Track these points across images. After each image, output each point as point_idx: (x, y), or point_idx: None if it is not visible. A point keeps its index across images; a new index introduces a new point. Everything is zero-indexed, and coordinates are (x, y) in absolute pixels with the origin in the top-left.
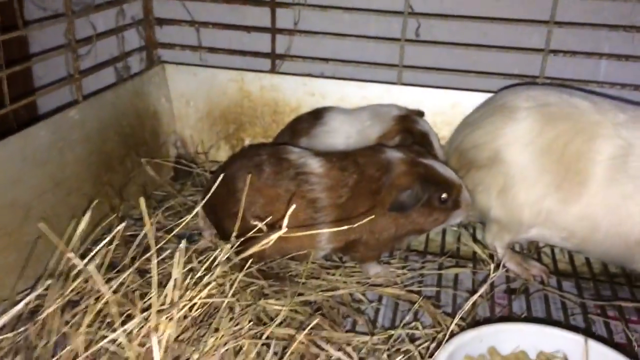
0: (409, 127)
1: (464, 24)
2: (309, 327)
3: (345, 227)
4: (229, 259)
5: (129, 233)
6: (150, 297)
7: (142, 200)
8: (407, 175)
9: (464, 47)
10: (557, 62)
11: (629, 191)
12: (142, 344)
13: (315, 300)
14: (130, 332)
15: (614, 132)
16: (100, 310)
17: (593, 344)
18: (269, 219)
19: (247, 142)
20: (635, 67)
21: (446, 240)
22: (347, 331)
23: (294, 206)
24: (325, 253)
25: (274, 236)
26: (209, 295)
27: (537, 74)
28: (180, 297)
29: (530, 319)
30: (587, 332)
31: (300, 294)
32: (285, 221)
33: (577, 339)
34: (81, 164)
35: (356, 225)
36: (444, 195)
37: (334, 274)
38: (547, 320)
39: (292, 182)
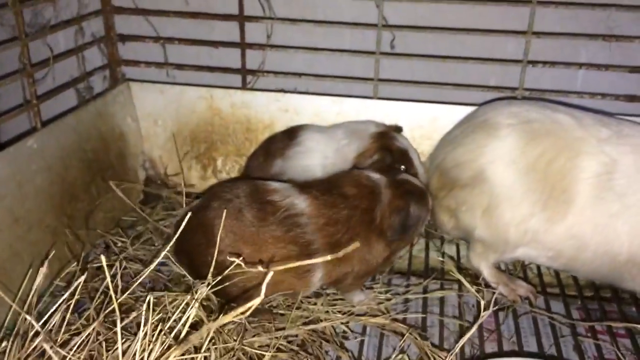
0: (387, 145)
1: (440, 35)
2: None
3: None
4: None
5: (97, 264)
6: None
7: (102, 258)
8: (400, 197)
9: (441, 59)
10: (534, 72)
11: (615, 209)
12: None
13: (297, 334)
14: None
15: (598, 148)
16: None
17: None
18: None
19: (219, 161)
20: (613, 76)
21: (430, 257)
22: None
23: (271, 273)
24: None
25: (255, 302)
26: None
27: (514, 85)
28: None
29: (520, 348)
30: (577, 353)
31: (281, 328)
32: (265, 284)
33: None
34: (42, 195)
35: (341, 255)
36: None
37: (314, 304)
38: (539, 344)
39: (279, 227)
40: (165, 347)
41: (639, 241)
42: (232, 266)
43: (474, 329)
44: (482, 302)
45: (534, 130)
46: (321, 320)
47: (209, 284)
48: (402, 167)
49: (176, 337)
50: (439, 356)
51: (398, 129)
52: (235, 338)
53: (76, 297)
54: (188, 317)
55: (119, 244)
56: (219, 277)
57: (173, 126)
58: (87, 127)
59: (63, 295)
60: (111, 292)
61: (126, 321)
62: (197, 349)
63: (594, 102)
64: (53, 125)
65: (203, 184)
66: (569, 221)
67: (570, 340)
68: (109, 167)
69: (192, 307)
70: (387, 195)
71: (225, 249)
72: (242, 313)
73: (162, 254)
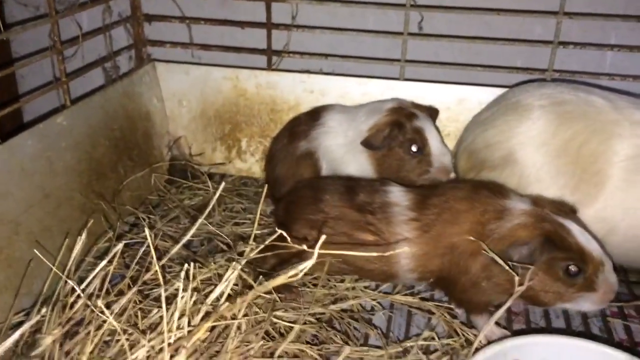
0: (398, 121)
1: (466, 16)
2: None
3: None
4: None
5: (125, 241)
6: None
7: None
8: (528, 229)
9: (469, 40)
10: (562, 54)
11: None
12: None
13: (325, 312)
14: None
15: (632, 131)
16: (101, 338)
17: (619, 356)
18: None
19: (243, 142)
20: None
21: None
22: (360, 345)
23: (324, 236)
24: (412, 283)
25: (307, 264)
26: (219, 317)
27: (541, 67)
28: (190, 322)
29: (549, 328)
30: (607, 334)
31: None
32: (317, 249)
33: (604, 350)
34: (71, 172)
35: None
36: (572, 267)
37: (342, 281)
38: (567, 329)
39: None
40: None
41: None
42: (274, 236)
43: (505, 307)
44: (516, 279)
45: (566, 113)
46: (348, 298)
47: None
48: (415, 145)
49: (213, 305)
50: (468, 333)
51: (432, 110)
52: (264, 312)
53: (113, 265)
54: (228, 281)
55: (147, 221)
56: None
57: (198, 107)
58: (114, 106)
59: (99, 265)
60: (152, 255)
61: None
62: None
63: (624, 84)
64: (82, 103)
65: (227, 165)
66: (600, 204)
67: (598, 322)
68: (135, 147)
69: (234, 272)
70: (517, 221)
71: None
72: (294, 275)
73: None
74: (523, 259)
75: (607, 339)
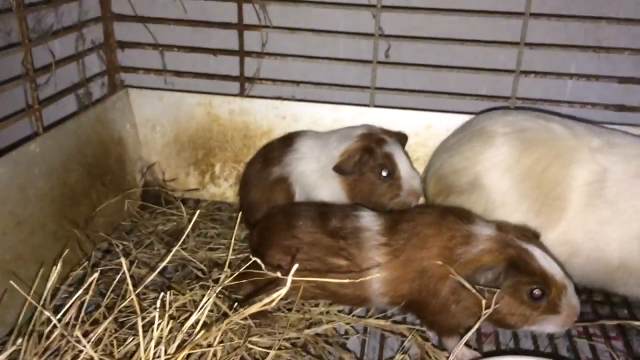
0: (369, 146)
1: (434, 45)
2: None
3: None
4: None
5: (99, 268)
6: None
7: (122, 260)
8: (494, 254)
9: (435, 69)
10: (525, 82)
11: (606, 216)
12: None
13: (299, 337)
14: None
15: (590, 157)
16: None
17: None
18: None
19: (217, 167)
20: (601, 86)
21: None
22: None
23: (296, 265)
24: (385, 307)
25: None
26: (195, 346)
27: (506, 94)
28: (166, 350)
29: (518, 349)
30: (573, 354)
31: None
32: (291, 275)
33: None
34: (44, 199)
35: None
36: (536, 291)
37: (316, 305)
38: (535, 350)
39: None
40: (179, 342)
41: (629, 247)
42: (248, 263)
43: (474, 329)
44: (484, 302)
45: (529, 139)
46: (322, 323)
47: (225, 278)
48: (385, 170)
49: (188, 332)
50: (440, 356)
51: (401, 136)
52: (239, 338)
53: (89, 294)
54: (204, 309)
55: (121, 248)
56: (235, 274)
57: (171, 132)
58: (87, 132)
59: (74, 295)
60: (129, 283)
61: (144, 315)
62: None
63: (584, 111)
64: (54, 130)
65: (201, 191)
66: (562, 228)
67: (564, 341)
68: (109, 172)
69: (209, 299)
70: (483, 247)
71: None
72: (268, 303)
73: (173, 251)
74: (489, 282)
75: (574, 359)
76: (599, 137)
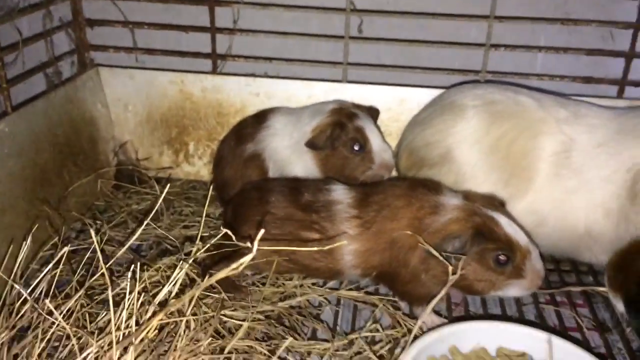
0: (340, 121)
1: (406, 20)
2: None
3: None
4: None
5: (72, 248)
6: (102, 319)
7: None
8: (460, 222)
9: (407, 43)
10: (496, 56)
11: (572, 186)
12: None
13: (274, 309)
14: None
15: (557, 128)
16: (49, 340)
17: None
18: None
19: (191, 145)
20: (570, 59)
21: None
22: (308, 339)
23: (262, 230)
24: (357, 279)
25: (246, 259)
26: (167, 315)
27: (477, 68)
28: (138, 321)
29: (486, 315)
30: (539, 320)
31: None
32: (256, 243)
33: (533, 333)
34: (14, 179)
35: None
36: (501, 256)
37: (290, 279)
38: (502, 316)
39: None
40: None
41: (594, 215)
42: (219, 235)
43: (440, 295)
44: (450, 269)
45: (497, 112)
46: (296, 295)
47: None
48: (357, 144)
49: (161, 305)
50: (410, 324)
51: (373, 110)
52: (214, 311)
53: (59, 268)
54: (176, 280)
55: (95, 227)
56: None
57: (144, 111)
58: (58, 112)
59: (43, 272)
60: (99, 257)
61: (116, 290)
62: (179, 316)
63: (553, 83)
64: (24, 110)
65: (175, 169)
66: (530, 197)
67: (532, 309)
68: (81, 152)
69: (181, 271)
70: (450, 216)
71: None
72: (234, 269)
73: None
74: (456, 250)
75: (540, 324)
76: (566, 108)
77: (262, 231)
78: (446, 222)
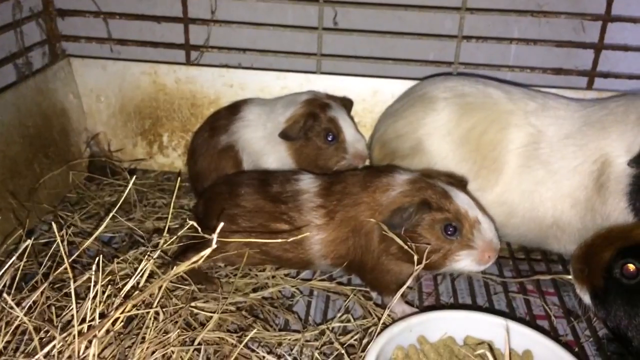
0: (313, 112)
1: (380, 11)
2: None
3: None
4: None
5: (43, 240)
6: (68, 312)
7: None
8: (409, 195)
9: (381, 35)
10: (469, 47)
11: (540, 177)
12: None
13: (245, 300)
14: (51, 356)
15: (525, 120)
16: (14, 333)
17: (513, 326)
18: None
19: (165, 137)
20: (542, 51)
21: None
22: (279, 330)
23: (222, 224)
24: (327, 269)
25: (206, 252)
26: (133, 306)
27: (451, 60)
28: (102, 313)
29: (456, 305)
30: (509, 309)
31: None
32: (215, 235)
33: (499, 321)
34: None
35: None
36: (448, 226)
37: (263, 270)
38: (472, 305)
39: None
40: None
41: (561, 206)
42: (186, 227)
43: (407, 284)
44: (415, 258)
45: (467, 104)
46: (269, 286)
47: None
48: (330, 134)
49: (128, 297)
50: (381, 314)
51: (346, 100)
52: (184, 302)
53: (23, 262)
54: (143, 271)
55: (65, 219)
56: (174, 238)
57: (117, 102)
58: (28, 103)
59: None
60: (62, 251)
61: (78, 282)
62: (147, 308)
63: (524, 75)
64: None
65: (149, 161)
66: (499, 189)
67: (502, 298)
68: (52, 144)
69: (148, 263)
70: (400, 190)
71: None
72: (195, 262)
73: (111, 214)
74: (404, 222)
75: (509, 313)
76: (534, 100)
77: (221, 224)
78: (396, 195)
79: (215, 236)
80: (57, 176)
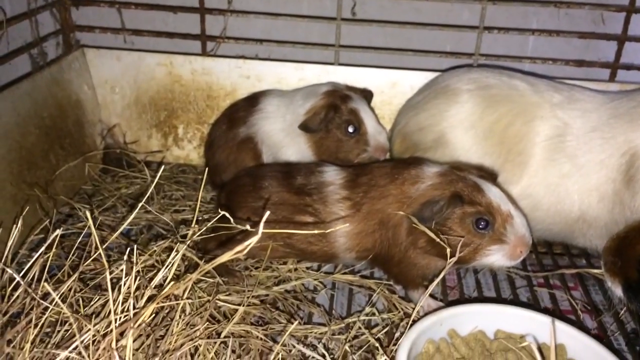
0: (334, 103)
1: (398, 2)
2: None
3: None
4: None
5: (62, 230)
6: (95, 304)
7: (87, 213)
8: (440, 188)
9: (400, 26)
10: (487, 38)
11: (566, 170)
12: (97, 359)
13: (268, 294)
14: (87, 347)
15: (551, 113)
16: (42, 325)
17: (545, 320)
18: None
19: (180, 129)
20: (562, 42)
21: None
22: (304, 323)
23: (268, 212)
24: (351, 262)
25: (252, 241)
26: (165, 298)
27: (469, 51)
28: (134, 305)
29: (481, 299)
30: (534, 303)
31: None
32: (261, 225)
33: (531, 315)
34: (0, 162)
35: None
36: (480, 220)
37: (284, 263)
38: (497, 299)
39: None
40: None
41: (588, 199)
42: (216, 217)
43: (439, 278)
44: (448, 252)
45: (492, 96)
46: (291, 280)
47: (193, 233)
48: (351, 126)
49: (157, 288)
50: (406, 307)
51: (367, 92)
52: (209, 295)
53: (53, 250)
54: (172, 263)
55: (84, 211)
56: (203, 228)
57: (132, 94)
58: (43, 94)
59: (34, 256)
60: (94, 238)
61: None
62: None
63: (545, 67)
64: (8, 92)
65: (164, 153)
66: (524, 182)
67: (526, 292)
68: (67, 135)
69: (178, 254)
70: (430, 182)
71: None
72: (239, 252)
73: (139, 206)
74: (435, 215)
75: (535, 307)
76: (560, 92)
77: (267, 213)
78: (426, 188)
79: (261, 226)
80: (73, 168)
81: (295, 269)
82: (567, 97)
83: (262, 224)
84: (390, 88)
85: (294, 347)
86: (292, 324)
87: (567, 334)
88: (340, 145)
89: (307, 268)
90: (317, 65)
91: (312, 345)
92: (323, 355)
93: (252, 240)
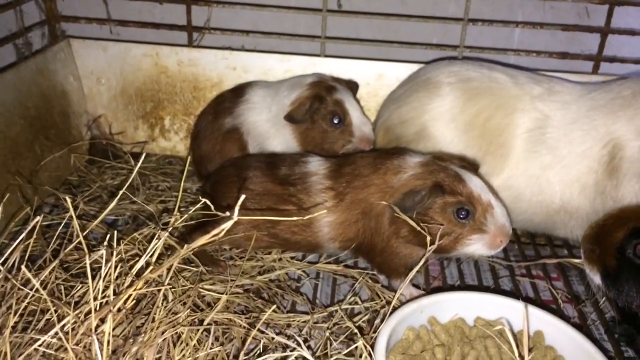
0: (319, 94)
1: None
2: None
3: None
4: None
5: (45, 223)
6: (77, 292)
7: (67, 199)
8: (422, 178)
9: (385, 18)
10: (474, 31)
11: (547, 162)
12: (77, 344)
13: (252, 283)
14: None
15: (531, 105)
16: (22, 313)
17: (530, 309)
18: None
19: (166, 120)
20: (547, 35)
21: None
22: (287, 312)
23: (244, 196)
24: (334, 252)
25: (227, 225)
26: (145, 283)
27: (455, 43)
28: (115, 292)
29: (464, 287)
30: (516, 293)
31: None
32: (237, 210)
33: (509, 303)
34: None
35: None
36: (461, 209)
37: (269, 253)
38: (480, 288)
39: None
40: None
41: (569, 190)
42: (198, 205)
43: (419, 266)
44: (428, 240)
45: (472, 89)
46: (275, 269)
47: (175, 220)
48: (336, 117)
49: (138, 275)
50: (389, 296)
51: (352, 83)
52: (192, 284)
53: (32, 238)
54: (154, 249)
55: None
56: (185, 216)
57: (117, 85)
58: (28, 84)
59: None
60: (75, 225)
61: (94, 257)
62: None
63: (529, 59)
64: None
65: (151, 144)
66: (505, 174)
67: (508, 282)
68: (52, 126)
69: (160, 241)
70: (412, 172)
71: None
72: (215, 235)
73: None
74: (417, 204)
75: (517, 296)
76: (540, 85)
77: (242, 197)
78: (408, 178)
79: (236, 209)
80: (58, 159)
81: (280, 259)
82: (547, 89)
83: (237, 208)
84: (376, 80)
85: (268, 334)
86: (276, 312)
87: (545, 322)
88: (325, 136)
89: (292, 258)
90: (303, 56)
91: (292, 335)
92: (298, 344)
93: (227, 224)
